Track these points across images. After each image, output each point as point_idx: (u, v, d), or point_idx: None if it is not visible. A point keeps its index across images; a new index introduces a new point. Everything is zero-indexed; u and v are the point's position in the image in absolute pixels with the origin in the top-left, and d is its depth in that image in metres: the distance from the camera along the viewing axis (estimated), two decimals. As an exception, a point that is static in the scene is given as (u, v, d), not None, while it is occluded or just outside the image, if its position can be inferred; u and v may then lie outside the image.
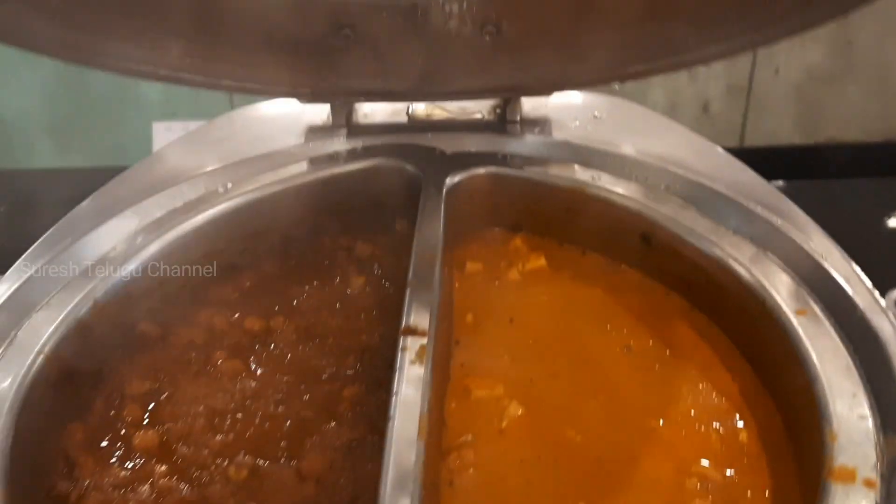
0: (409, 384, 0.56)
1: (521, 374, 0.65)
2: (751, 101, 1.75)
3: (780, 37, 0.64)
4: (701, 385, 0.64)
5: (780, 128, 1.77)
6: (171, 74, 0.68)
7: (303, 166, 0.76)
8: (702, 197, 0.71)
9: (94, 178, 0.76)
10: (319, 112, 0.81)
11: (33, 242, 0.68)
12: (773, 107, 1.74)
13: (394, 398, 0.55)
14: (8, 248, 0.68)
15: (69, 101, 1.66)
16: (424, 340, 0.59)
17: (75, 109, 1.67)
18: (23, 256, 0.66)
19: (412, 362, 0.57)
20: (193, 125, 1.05)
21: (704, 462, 0.58)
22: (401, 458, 0.51)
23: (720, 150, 0.77)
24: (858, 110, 1.74)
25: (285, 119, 0.83)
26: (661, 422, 0.62)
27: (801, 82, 1.70)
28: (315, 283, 0.73)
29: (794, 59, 1.67)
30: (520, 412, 0.62)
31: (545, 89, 0.76)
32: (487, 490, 0.58)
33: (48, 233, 0.69)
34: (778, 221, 0.67)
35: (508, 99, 0.79)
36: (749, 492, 0.57)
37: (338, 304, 0.71)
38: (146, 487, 0.57)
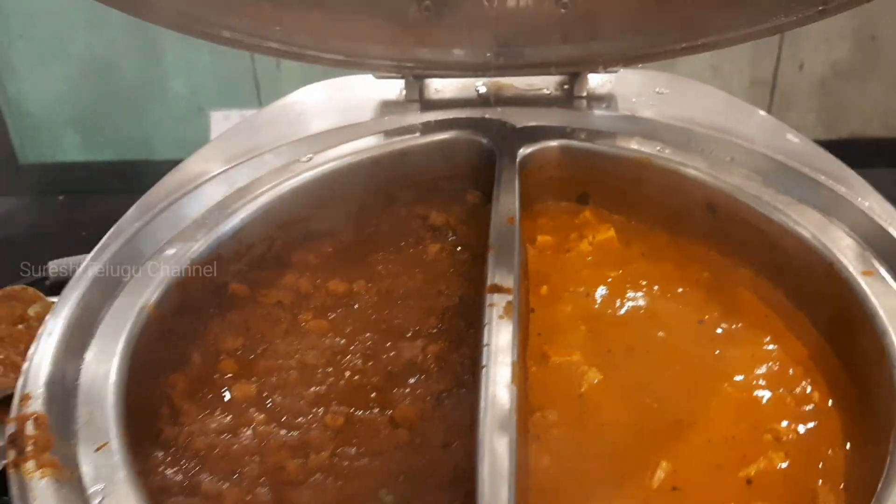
0: (499, 335, 0.58)
1: (598, 344, 0.68)
2: (775, 96, 1.76)
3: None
4: (771, 351, 0.67)
5: (803, 122, 1.78)
6: (259, 44, 0.71)
7: (380, 138, 0.79)
8: (766, 168, 0.73)
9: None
10: (393, 88, 0.84)
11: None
12: (797, 102, 1.76)
13: (485, 349, 0.58)
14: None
15: (95, 95, 1.68)
16: (510, 297, 0.62)
17: (101, 103, 1.69)
18: (122, 218, 0.69)
19: (500, 317, 0.60)
20: (250, 112, 1.08)
21: (779, 420, 0.61)
22: (496, 402, 0.54)
23: (779, 122, 0.80)
24: (881, 105, 1.75)
25: (356, 97, 0.86)
26: (736, 387, 0.64)
27: (825, 77, 1.72)
28: (392, 249, 0.76)
29: (819, 54, 1.69)
30: (598, 379, 0.64)
31: (615, 62, 0.79)
32: (573, 448, 0.60)
33: (140, 199, 0.72)
34: (842, 190, 0.70)
35: (576, 75, 0.82)
36: (823, 446, 0.59)
37: (416, 269, 0.74)
38: (248, 432, 0.60)
